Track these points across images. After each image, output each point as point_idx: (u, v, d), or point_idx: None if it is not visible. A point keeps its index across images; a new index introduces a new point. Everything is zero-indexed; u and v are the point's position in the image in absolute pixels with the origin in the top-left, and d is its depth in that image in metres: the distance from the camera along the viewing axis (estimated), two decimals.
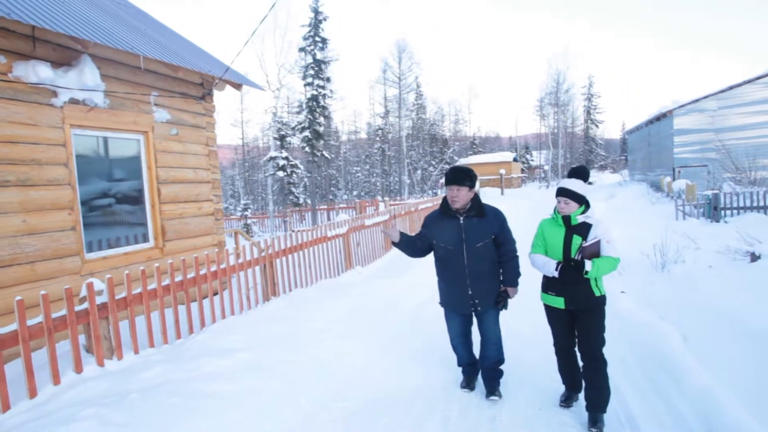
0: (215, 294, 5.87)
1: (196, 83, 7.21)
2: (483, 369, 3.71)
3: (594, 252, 3.11)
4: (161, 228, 6.46)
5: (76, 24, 5.06)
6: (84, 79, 5.08)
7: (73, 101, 5.20)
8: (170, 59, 6.05)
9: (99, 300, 3.78)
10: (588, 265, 3.06)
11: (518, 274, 3.60)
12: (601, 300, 3.18)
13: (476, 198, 3.59)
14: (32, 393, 3.22)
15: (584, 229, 3.17)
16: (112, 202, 6.00)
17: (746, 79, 17.11)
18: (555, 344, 3.44)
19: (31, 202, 4.83)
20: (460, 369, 3.91)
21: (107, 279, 3.89)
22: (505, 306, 3.59)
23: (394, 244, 3.64)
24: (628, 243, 8.00)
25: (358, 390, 3.67)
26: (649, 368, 3.77)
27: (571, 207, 3.18)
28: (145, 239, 6.38)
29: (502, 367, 3.71)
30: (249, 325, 4.67)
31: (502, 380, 3.73)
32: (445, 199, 3.62)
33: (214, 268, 5.07)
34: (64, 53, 5.16)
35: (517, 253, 3.60)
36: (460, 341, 3.77)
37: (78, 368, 3.56)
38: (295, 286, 6.57)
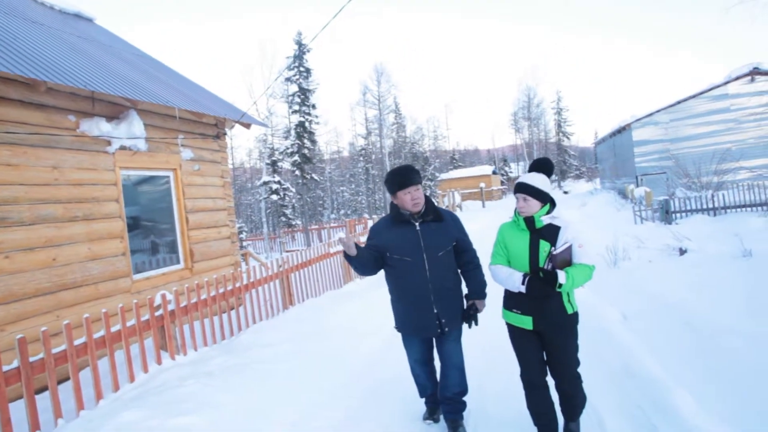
0: (240, 305, 6.90)
1: (211, 124, 8.31)
2: (444, 400, 3.18)
3: (565, 259, 2.63)
4: (190, 251, 7.49)
5: (124, 85, 6.16)
6: (133, 130, 6.17)
7: (123, 147, 6.26)
8: (197, 108, 7.18)
9: (169, 308, 4.83)
10: (561, 276, 2.56)
11: (485, 284, 3.19)
12: (574, 318, 2.76)
13: (429, 199, 3.17)
14: (131, 378, 4.24)
15: (552, 232, 2.69)
16: (149, 230, 7.03)
17: (691, 94, 19.05)
18: (522, 374, 2.88)
19: (94, 233, 5.84)
20: (423, 400, 3.49)
21: (174, 291, 4.94)
22: (475, 321, 3.15)
23: (348, 258, 2.99)
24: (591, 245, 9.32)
25: (376, 369, 4.74)
26: (595, 339, 4.94)
27: (532, 205, 2.71)
28: (177, 261, 7.41)
29: (465, 398, 3.23)
30: (279, 326, 5.75)
31: (465, 414, 3.26)
32: (393, 205, 3.17)
33: (245, 281, 6.15)
34: (115, 108, 6.24)
35: (480, 261, 3.25)
36: (423, 369, 3.32)
37: (158, 361, 4.60)
38: (307, 297, 7.65)
